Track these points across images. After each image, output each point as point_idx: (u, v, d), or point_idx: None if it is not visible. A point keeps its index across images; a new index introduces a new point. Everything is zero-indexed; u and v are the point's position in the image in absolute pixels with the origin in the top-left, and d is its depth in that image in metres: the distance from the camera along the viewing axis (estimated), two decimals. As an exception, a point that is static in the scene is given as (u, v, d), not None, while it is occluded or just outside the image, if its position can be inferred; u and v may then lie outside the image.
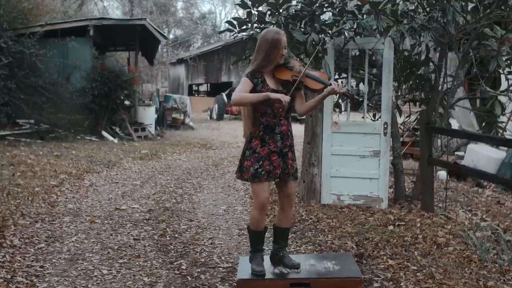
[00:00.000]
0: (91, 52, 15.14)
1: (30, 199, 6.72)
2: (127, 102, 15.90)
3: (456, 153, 11.62)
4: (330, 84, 3.82)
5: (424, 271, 4.20)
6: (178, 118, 21.05)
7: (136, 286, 3.97)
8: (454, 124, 13.71)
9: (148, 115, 16.38)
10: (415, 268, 4.27)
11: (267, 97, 3.74)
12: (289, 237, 5.32)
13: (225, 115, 27.30)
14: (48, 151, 11.22)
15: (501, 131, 6.86)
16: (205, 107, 30.96)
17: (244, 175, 3.91)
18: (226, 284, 4.01)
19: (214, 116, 27.33)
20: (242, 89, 3.83)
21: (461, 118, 13.29)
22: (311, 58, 4.08)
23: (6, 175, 8.07)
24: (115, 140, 14.44)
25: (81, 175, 8.73)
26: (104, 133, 14.70)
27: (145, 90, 35.03)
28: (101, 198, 7.20)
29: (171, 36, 45.53)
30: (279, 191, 4.03)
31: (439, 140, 8.49)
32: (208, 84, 38.83)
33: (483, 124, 7.53)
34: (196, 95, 40.30)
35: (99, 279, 4.10)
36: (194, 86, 39.32)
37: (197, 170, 10.03)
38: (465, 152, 10.05)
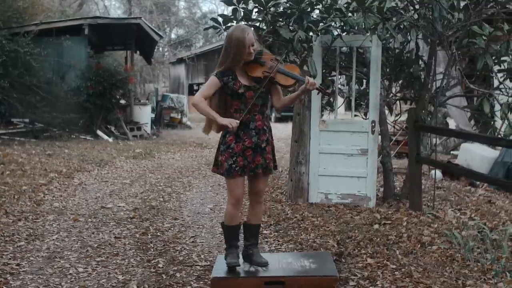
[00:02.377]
0: (86, 51, 15.09)
1: (16, 197, 6.69)
2: (122, 101, 15.87)
3: (452, 152, 11.57)
4: (303, 80, 3.77)
5: (403, 270, 4.14)
6: (176, 117, 21.00)
7: (109, 284, 3.93)
8: (452, 124, 13.67)
9: (144, 114, 16.35)
10: (394, 266, 4.22)
11: (217, 121, 3.76)
12: (272, 235, 5.32)
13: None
14: (41, 150, 11.18)
15: (497, 130, 6.82)
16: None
17: (220, 170, 3.91)
18: (201, 282, 3.97)
19: (213, 115, 27.24)
20: (206, 91, 3.84)
21: (459, 117, 13.22)
22: (283, 56, 3.99)
23: (-6, 174, 8.06)
24: (110, 139, 14.41)
25: (71, 174, 8.70)
26: (99, 132, 14.67)
27: (147, 90, 34.98)
28: (88, 196, 7.16)
29: (172, 36, 45.44)
30: (249, 186, 4.02)
31: (434, 139, 8.44)
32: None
33: (480, 124, 7.48)
34: (197, 94, 40.17)
35: (74, 277, 4.07)
36: (195, 85, 39.27)
37: (188, 169, 9.99)
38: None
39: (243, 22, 6.26)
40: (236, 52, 3.78)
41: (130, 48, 17.93)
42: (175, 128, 20.24)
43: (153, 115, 18.92)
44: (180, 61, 35.18)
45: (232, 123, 3.71)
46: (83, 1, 31.65)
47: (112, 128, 15.26)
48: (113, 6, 43.65)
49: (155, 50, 27.52)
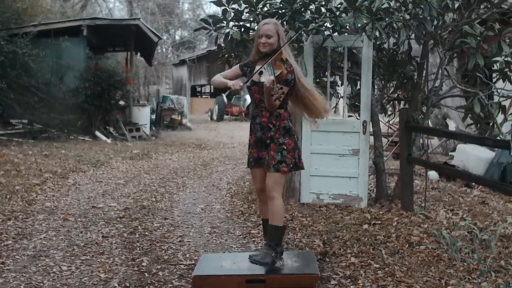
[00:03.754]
0: (85, 52, 15.12)
1: (8, 197, 6.70)
2: (121, 102, 15.89)
3: (451, 153, 11.52)
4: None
5: (386, 269, 4.13)
6: (176, 118, 21.02)
7: (91, 282, 3.93)
8: (452, 125, 13.63)
9: (143, 115, 16.38)
10: (377, 266, 4.20)
11: (226, 84, 3.84)
12: (259, 234, 5.31)
13: (225, 116, 27.30)
14: (38, 150, 11.20)
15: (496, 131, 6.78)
16: (207, 108, 30.99)
17: None
18: (183, 281, 3.96)
19: (215, 117, 27.34)
20: (225, 73, 4.01)
21: (457, 119, 13.19)
22: (272, 57, 3.92)
23: (-11, 174, 8.07)
24: (109, 140, 14.43)
25: (66, 174, 8.71)
26: (98, 133, 14.69)
27: (152, 92, 35.06)
28: (80, 196, 7.17)
29: (176, 38, 45.53)
30: None
31: (426, 140, 8.39)
32: (211, 86, 38.82)
33: (478, 125, 7.44)
34: (200, 96, 40.35)
35: (56, 275, 4.07)
36: (197, 87, 39.34)
37: (184, 169, 9.98)
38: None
39: (232, 23, 6.28)
40: (255, 42, 3.99)
41: (130, 49, 17.98)
42: (175, 129, 20.25)
43: (153, 116, 18.95)
44: (183, 62, 35.28)
45: (234, 84, 3.75)
46: (85, 3, 31.73)
47: (111, 129, 15.27)
48: (117, 8, 43.77)
49: (158, 51, 27.56)
